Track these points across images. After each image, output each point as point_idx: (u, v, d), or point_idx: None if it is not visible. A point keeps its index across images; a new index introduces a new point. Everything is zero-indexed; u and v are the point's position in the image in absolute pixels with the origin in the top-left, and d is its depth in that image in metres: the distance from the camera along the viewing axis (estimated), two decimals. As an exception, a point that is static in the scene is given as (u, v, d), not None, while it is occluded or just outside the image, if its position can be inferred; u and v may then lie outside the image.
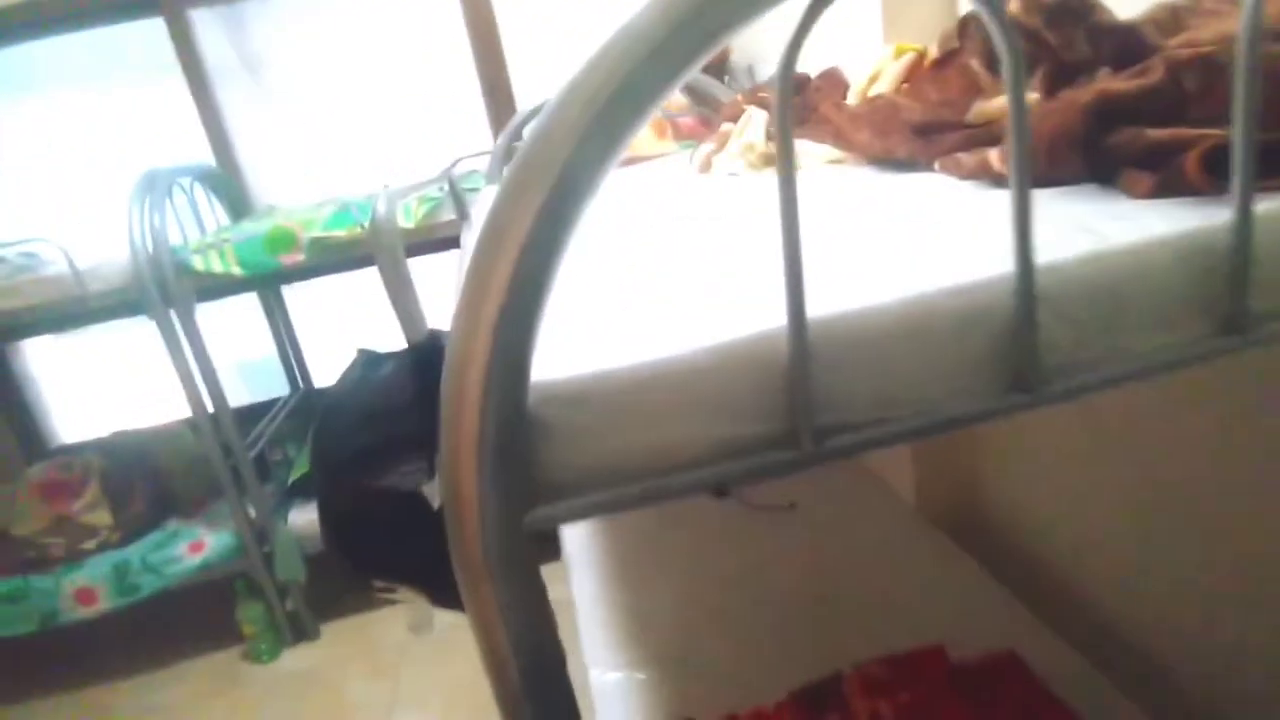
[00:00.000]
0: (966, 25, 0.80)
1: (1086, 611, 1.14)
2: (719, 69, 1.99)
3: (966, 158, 0.69)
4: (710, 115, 1.94)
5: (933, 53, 0.95)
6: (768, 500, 1.60)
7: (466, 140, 2.42)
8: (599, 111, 0.28)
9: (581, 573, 1.56)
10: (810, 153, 0.97)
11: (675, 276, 0.49)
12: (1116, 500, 1.06)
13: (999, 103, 0.76)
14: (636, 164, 1.57)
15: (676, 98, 1.99)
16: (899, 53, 1.12)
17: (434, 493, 0.28)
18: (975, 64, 0.78)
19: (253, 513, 1.99)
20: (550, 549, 1.88)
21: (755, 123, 1.09)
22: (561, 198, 0.28)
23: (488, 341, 0.28)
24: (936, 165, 0.77)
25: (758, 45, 2.01)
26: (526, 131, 0.29)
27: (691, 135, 1.88)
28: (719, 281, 0.46)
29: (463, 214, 1.13)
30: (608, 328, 0.38)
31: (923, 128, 0.79)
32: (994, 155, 0.62)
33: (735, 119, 1.19)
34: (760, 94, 1.13)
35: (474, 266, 0.28)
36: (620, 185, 1.32)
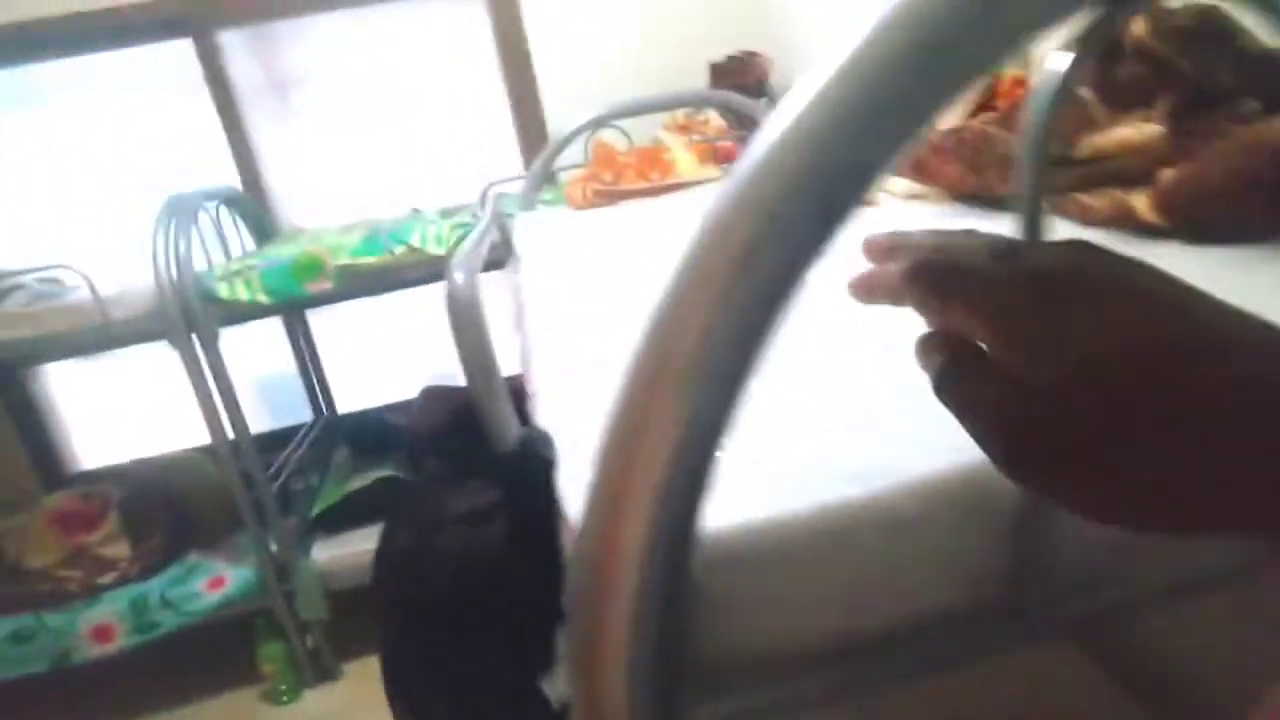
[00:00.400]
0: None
1: (1187, 693, 1.04)
2: (758, 89, 1.93)
3: (1093, 200, 0.62)
4: (747, 137, 1.87)
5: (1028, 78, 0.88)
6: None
7: (495, 162, 2.37)
8: (809, 196, 0.20)
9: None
10: (884, 187, 0.90)
11: (804, 359, 0.42)
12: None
13: (1119, 135, 0.68)
14: (678, 191, 1.50)
15: (715, 120, 1.93)
16: (972, 77, 1.05)
17: (555, 689, 0.21)
18: (1086, 92, 0.70)
19: (274, 546, 1.92)
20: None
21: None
22: (754, 313, 0.20)
23: (648, 511, 0.20)
24: (1046, 207, 0.69)
25: (799, 64, 1.95)
26: (695, 226, 0.22)
27: (729, 159, 1.81)
28: (863, 366, 0.38)
29: (508, 248, 1.06)
30: (759, 443, 0.30)
31: (1027, 163, 0.72)
32: (1140, 199, 0.54)
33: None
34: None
35: (625, 407, 0.21)
36: (669, 217, 1.25)
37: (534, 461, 0.31)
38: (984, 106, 1.02)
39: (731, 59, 2.00)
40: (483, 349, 0.34)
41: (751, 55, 1.97)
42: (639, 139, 1.82)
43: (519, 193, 1.64)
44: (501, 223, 1.77)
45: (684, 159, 1.54)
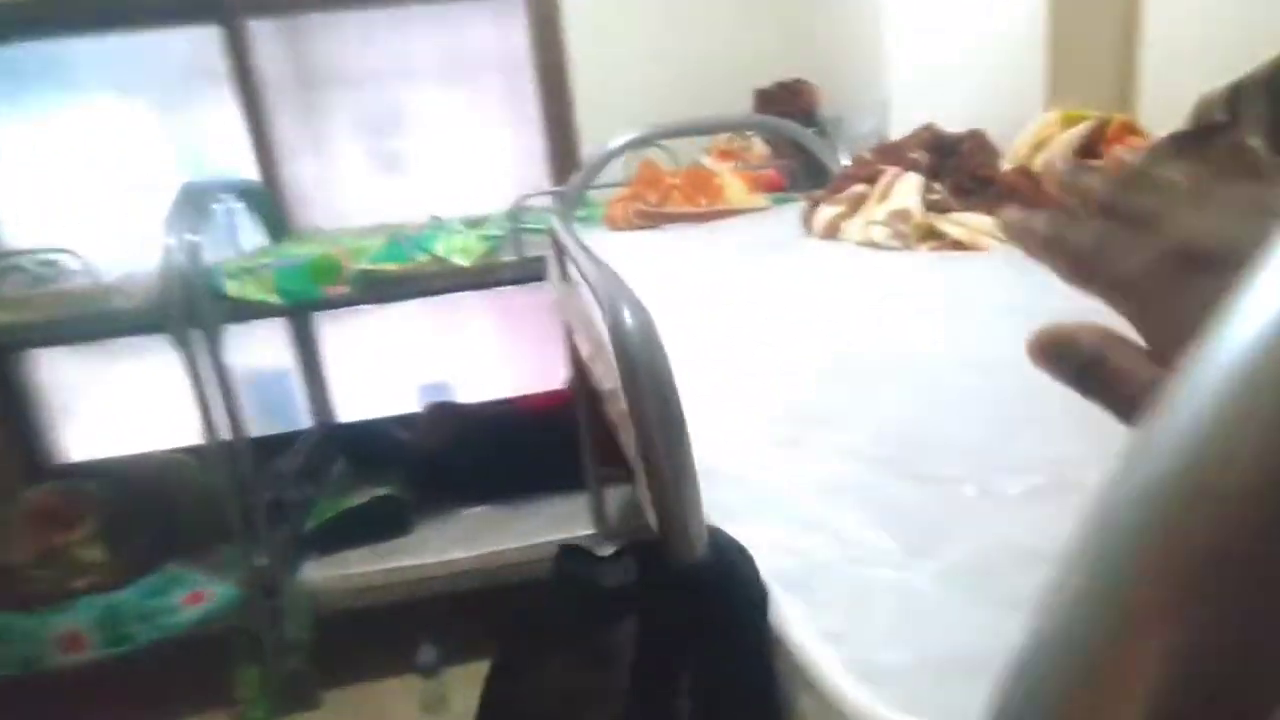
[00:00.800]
0: (1240, 94, 0.64)
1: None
2: (805, 119, 1.86)
3: None
4: (792, 167, 1.80)
5: (1123, 124, 0.80)
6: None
7: (520, 175, 2.29)
8: None
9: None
10: (991, 230, 0.81)
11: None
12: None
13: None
14: (727, 218, 1.42)
15: (759, 147, 1.86)
16: (1068, 120, 0.97)
17: None
18: (1256, 143, 0.62)
19: (261, 561, 1.81)
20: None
21: (907, 187, 0.94)
22: None
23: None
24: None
25: (848, 94, 1.88)
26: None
27: (771, 188, 1.73)
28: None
29: (563, 271, 0.97)
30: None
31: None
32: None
33: (869, 179, 1.03)
34: (911, 154, 0.98)
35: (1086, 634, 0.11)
36: (720, 245, 1.17)
37: (739, 585, 0.21)
38: (1086, 153, 0.95)
39: (779, 86, 1.93)
40: (670, 418, 0.24)
41: (799, 83, 1.90)
42: (679, 163, 1.75)
43: (554, 208, 1.56)
44: (520, 238, 1.69)
45: (733, 185, 1.46)
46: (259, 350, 2.39)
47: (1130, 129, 0.92)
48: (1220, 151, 0.73)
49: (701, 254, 1.08)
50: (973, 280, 0.74)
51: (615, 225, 1.42)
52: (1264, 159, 0.68)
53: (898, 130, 1.62)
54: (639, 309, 0.26)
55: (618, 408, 0.55)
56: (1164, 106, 1.00)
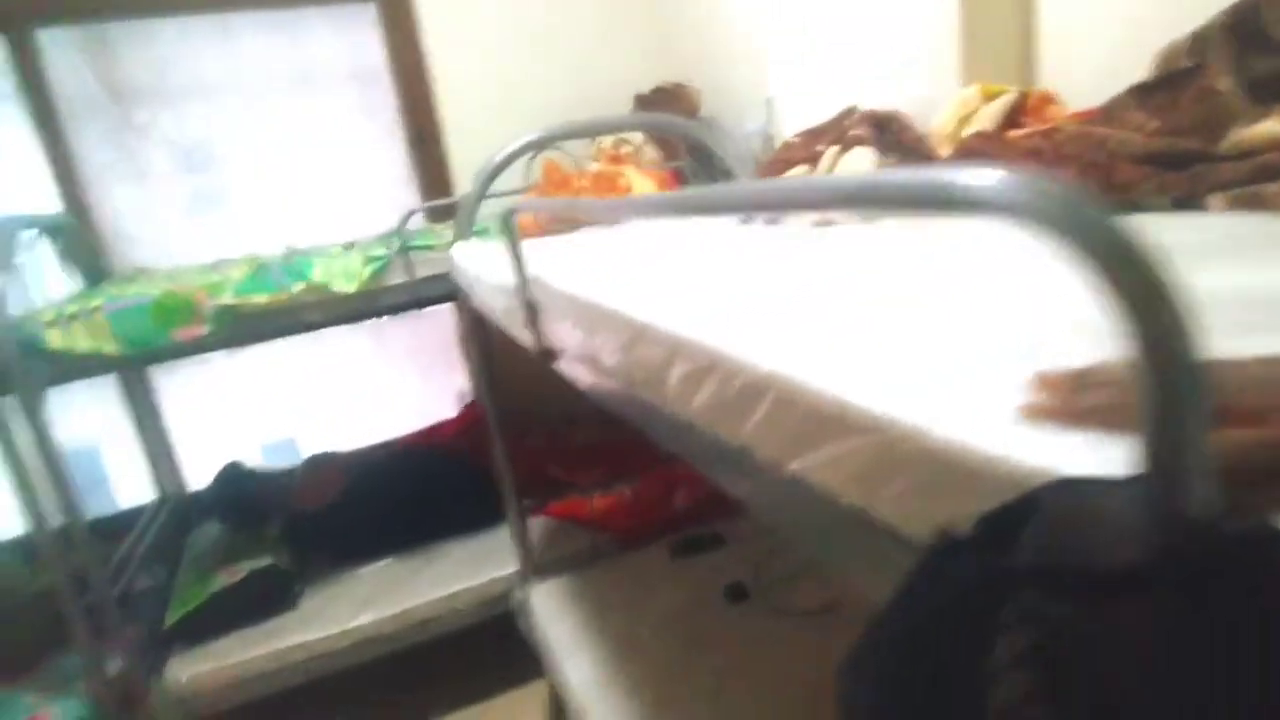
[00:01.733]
0: (1205, 42, 0.68)
1: None
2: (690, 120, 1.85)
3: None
4: (686, 167, 1.79)
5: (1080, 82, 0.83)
6: (801, 603, 1.38)
7: (386, 193, 2.12)
8: None
9: (593, 705, 1.25)
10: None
11: None
12: None
13: (1265, 129, 0.63)
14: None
15: (648, 151, 1.83)
16: (989, 94, 1.01)
17: None
18: (1225, 84, 0.65)
19: (115, 667, 1.50)
20: (531, 669, 1.56)
21: (858, 161, 0.93)
22: None
23: None
24: (1212, 203, 0.63)
25: (729, 94, 1.89)
26: None
27: (670, 188, 1.71)
28: None
29: (522, 270, 0.87)
30: None
31: (1167, 158, 0.66)
32: None
33: (808, 161, 1.02)
34: (853, 131, 0.97)
35: None
36: (638, 245, 1.10)
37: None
38: (1011, 124, 0.98)
39: (658, 90, 1.92)
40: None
41: (679, 86, 1.90)
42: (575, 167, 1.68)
43: (453, 222, 1.43)
44: (409, 258, 1.55)
45: (641, 183, 1.41)
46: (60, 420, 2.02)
47: (1049, 99, 0.97)
48: (1189, 95, 0.76)
49: (663, 251, 1.00)
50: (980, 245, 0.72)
51: (526, 232, 1.32)
52: (1235, 99, 0.71)
53: (787, 125, 1.65)
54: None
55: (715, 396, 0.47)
56: (1062, 77, 1.07)
